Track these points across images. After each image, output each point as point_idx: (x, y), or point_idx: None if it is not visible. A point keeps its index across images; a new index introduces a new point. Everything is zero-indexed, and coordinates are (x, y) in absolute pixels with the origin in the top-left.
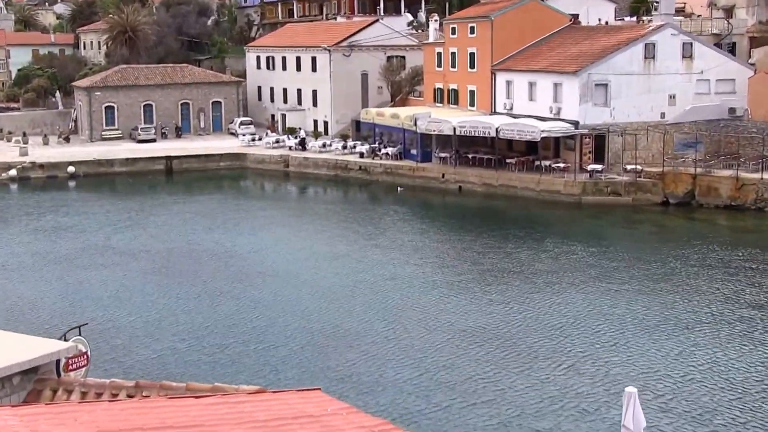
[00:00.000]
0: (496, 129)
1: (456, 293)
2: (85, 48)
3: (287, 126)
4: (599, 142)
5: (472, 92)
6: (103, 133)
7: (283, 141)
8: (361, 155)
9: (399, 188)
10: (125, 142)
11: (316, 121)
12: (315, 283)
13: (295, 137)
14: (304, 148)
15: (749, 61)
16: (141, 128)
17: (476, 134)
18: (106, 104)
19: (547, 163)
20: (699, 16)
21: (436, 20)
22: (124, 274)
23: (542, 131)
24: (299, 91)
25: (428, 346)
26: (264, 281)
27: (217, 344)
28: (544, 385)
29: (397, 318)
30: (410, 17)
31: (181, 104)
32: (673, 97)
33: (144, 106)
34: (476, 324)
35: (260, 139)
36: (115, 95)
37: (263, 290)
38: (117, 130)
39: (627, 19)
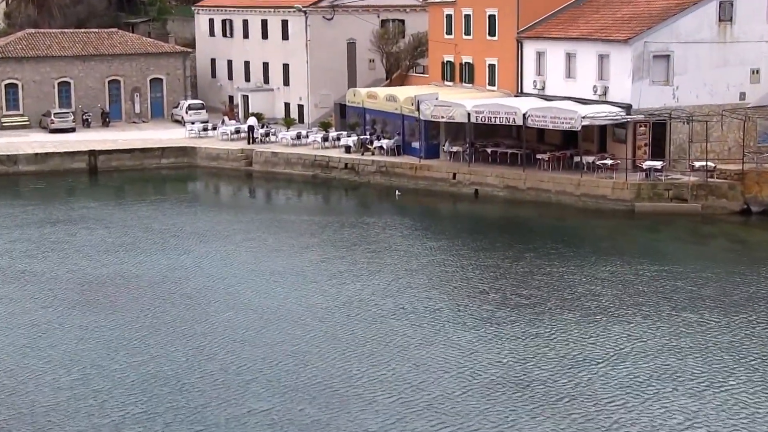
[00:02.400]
0: (524, 115)
1: (492, 334)
2: None
3: (250, 111)
4: (658, 131)
5: (491, 67)
6: (3, 120)
7: (246, 131)
8: (348, 150)
9: (397, 192)
10: (34, 132)
11: (288, 105)
12: (295, 320)
13: (249, 124)
14: (251, 141)
15: None
16: (55, 114)
17: (497, 122)
18: (7, 81)
19: (590, 159)
20: None
21: None
22: (36, 309)
23: (583, 118)
24: (266, 65)
25: (457, 405)
26: (228, 319)
27: (165, 399)
28: None
29: (409, 367)
30: None
31: (109, 82)
32: (757, 72)
33: (59, 84)
34: (526, 376)
35: (214, 128)
36: (19, 69)
37: (227, 330)
38: (22, 116)
39: None
